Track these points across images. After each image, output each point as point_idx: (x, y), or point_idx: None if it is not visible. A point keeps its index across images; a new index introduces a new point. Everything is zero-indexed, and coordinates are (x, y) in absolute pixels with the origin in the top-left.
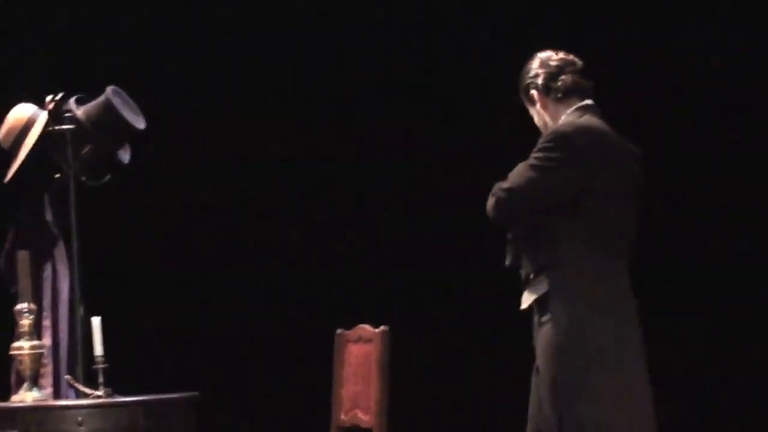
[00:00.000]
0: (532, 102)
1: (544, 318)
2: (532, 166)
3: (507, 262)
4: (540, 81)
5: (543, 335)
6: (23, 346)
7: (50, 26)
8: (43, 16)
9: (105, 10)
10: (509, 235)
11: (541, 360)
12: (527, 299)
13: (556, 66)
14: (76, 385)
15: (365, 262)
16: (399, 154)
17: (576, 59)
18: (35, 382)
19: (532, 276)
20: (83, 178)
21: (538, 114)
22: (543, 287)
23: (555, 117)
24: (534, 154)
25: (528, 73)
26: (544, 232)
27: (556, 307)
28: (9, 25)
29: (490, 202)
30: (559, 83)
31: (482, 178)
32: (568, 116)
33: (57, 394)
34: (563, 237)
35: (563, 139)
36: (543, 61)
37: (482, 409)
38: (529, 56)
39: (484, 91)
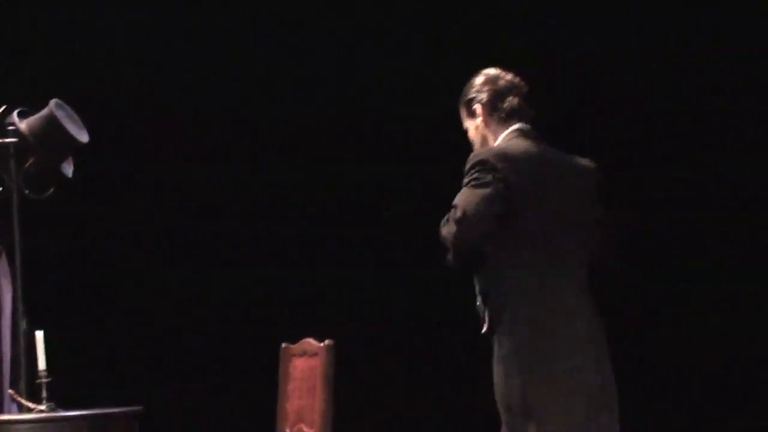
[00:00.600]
0: (473, 116)
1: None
2: (469, 188)
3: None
4: (485, 98)
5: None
6: None
7: None
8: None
9: (50, 19)
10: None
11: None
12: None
13: (505, 87)
14: (19, 399)
15: (309, 275)
16: (336, 163)
17: (523, 83)
18: None
19: (479, 302)
20: (26, 192)
21: (476, 129)
22: (489, 313)
23: (495, 135)
24: (465, 180)
25: (473, 87)
26: (489, 260)
27: (501, 330)
28: None
29: (451, 241)
30: (505, 104)
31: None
32: (503, 138)
33: (0, 409)
34: (505, 264)
35: (481, 163)
36: (491, 78)
37: (428, 423)
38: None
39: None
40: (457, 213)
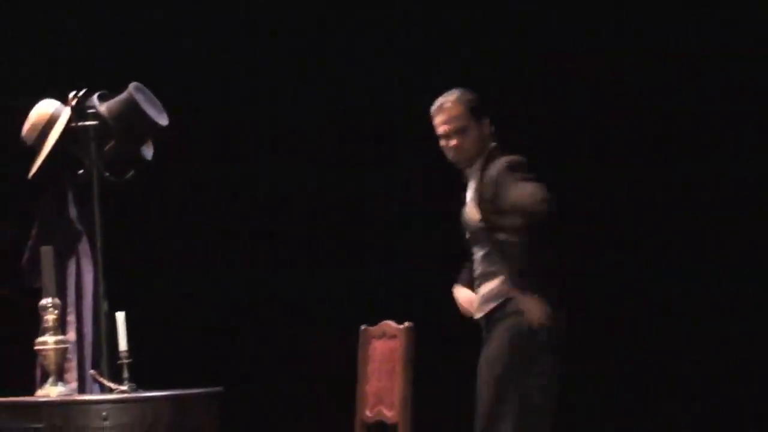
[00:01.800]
0: (479, 122)
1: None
2: (528, 180)
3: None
4: (487, 115)
5: None
6: (48, 341)
7: (73, 22)
8: (66, 14)
9: (128, 7)
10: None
11: None
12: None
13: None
14: (101, 379)
15: (390, 258)
16: (419, 152)
17: None
18: (60, 377)
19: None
20: (106, 174)
21: (478, 135)
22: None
23: (486, 148)
24: (517, 175)
25: (476, 98)
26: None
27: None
28: (32, 22)
29: (545, 203)
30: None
31: None
32: (490, 152)
33: (82, 389)
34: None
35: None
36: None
37: None
38: None
39: None
40: (535, 198)
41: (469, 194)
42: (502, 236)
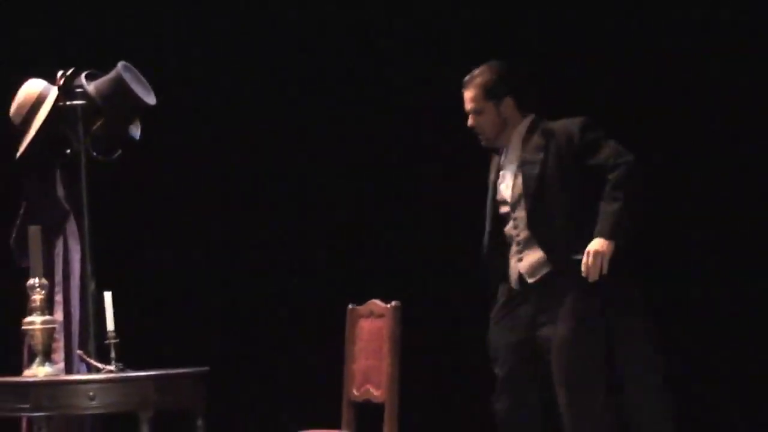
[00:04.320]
0: (496, 101)
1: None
2: (608, 140)
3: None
4: (514, 88)
5: None
6: (35, 321)
7: (59, 2)
8: None
9: None
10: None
11: None
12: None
13: (526, 80)
14: (88, 359)
15: (376, 237)
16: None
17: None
18: (47, 357)
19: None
20: (94, 154)
21: (497, 114)
22: None
23: (514, 124)
24: (596, 134)
25: (496, 73)
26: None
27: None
28: (19, 2)
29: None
30: (528, 97)
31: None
32: (525, 126)
33: (69, 369)
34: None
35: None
36: (514, 69)
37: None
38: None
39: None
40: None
41: (510, 165)
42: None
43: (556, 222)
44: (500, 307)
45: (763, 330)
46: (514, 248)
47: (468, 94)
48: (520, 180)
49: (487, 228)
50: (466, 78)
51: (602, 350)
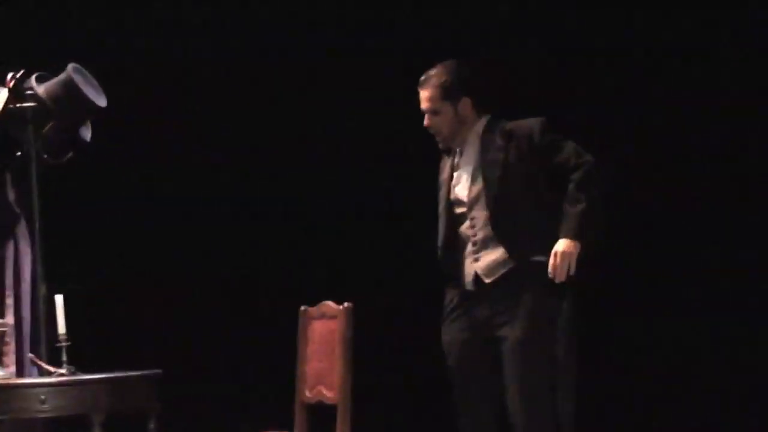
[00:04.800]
0: (452, 101)
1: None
2: (566, 141)
3: None
4: (470, 88)
5: None
6: None
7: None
8: None
9: None
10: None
11: None
12: None
13: (482, 81)
14: (39, 363)
15: (328, 238)
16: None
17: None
18: None
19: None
20: (45, 156)
21: (453, 115)
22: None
23: (471, 125)
24: (555, 135)
25: (452, 73)
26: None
27: None
28: None
29: (597, 171)
30: (484, 98)
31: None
32: (482, 126)
33: (20, 373)
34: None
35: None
36: (471, 70)
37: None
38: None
39: None
40: (588, 156)
41: (467, 166)
42: (526, 197)
43: (518, 221)
44: (454, 307)
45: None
46: (469, 248)
47: (424, 94)
48: (479, 180)
49: (442, 228)
50: (422, 78)
51: (554, 351)
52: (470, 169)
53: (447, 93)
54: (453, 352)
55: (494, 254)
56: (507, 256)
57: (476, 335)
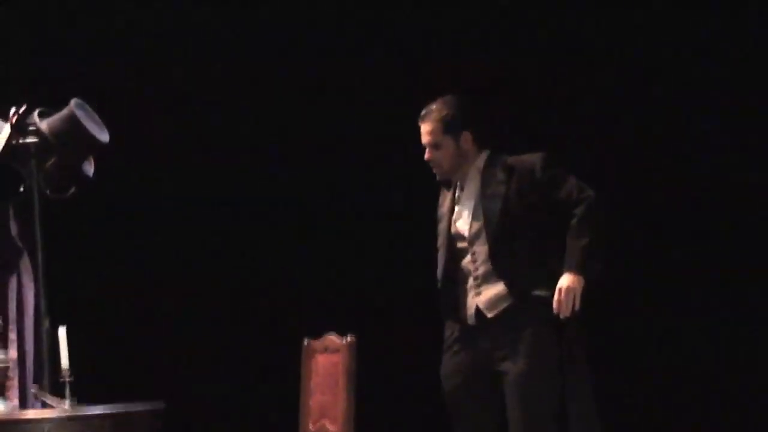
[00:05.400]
0: (454, 136)
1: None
2: (570, 175)
3: None
4: (471, 123)
5: None
6: None
7: (13, 38)
8: (5, 27)
9: (71, 21)
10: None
11: None
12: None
13: (480, 117)
14: (43, 397)
15: (332, 272)
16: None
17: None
18: (1, 395)
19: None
20: (47, 191)
21: (455, 149)
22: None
23: (472, 159)
24: (556, 170)
25: (453, 107)
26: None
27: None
28: None
29: (598, 206)
30: (483, 134)
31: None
32: (482, 161)
33: (24, 406)
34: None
35: None
36: (470, 106)
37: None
38: None
39: None
40: (589, 190)
41: (468, 201)
42: (530, 233)
43: (518, 256)
44: (454, 340)
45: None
46: (471, 282)
47: (426, 128)
48: (480, 214)
49: (442, 261)
50: (423, 112)
51: (558, 386)
52: (471, 204)
53: (448, 127)
54: (452, 385)
55: (495, 289)
56: (507, 291)
57: (477, 369)
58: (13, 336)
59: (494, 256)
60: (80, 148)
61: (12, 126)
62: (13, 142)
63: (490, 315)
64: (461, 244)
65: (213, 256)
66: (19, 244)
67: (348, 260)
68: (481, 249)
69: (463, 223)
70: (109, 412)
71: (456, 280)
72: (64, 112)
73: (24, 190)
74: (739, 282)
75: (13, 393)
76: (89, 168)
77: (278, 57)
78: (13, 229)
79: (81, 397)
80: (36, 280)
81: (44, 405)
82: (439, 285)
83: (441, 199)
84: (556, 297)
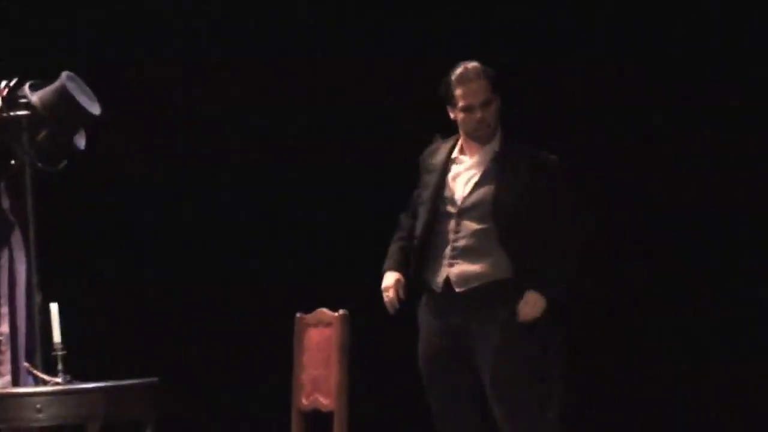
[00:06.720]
0: (496, 95)
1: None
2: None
3: None
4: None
5: None
6: None
7: (2, 10)
8: None
9: None
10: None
11: None
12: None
13: None
14: (35, 372)
15: (324, 245)
16: (356, 141)
17: None
18: None
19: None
20: (39, 165)
21: (497, 110)
22: None
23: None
24: (570, 182)
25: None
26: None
27: None
28: None
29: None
30: None
31: None
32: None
33: (16, 382)
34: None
35: None
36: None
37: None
38: None
39: None
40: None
41: (472, 170)
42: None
43: (527, 242)
44: (429, 312)
45: None
46: (448, 251)
47: (481, 85)
48: (490, 195)
49: (423, 222)
50: (476, 70)
51: (538, 361)
52: (477, 174)
53: (496, 85)
54: (428, 356)
55: (470, 267)
56: (484, 271)
57: (451, 344)
58: (4, 310)
59: (504, 238)
60: (72, 120)
61: (3, 99)
62: (4, 115)
63: (457, 290)
64: (449, 209)
65: (205, 229)
66: (11, 217)
67: (339, 233)
68: (470, 224)
69: (459, 187)
70: (101, 386)
71: (428, 241)
72: (55, 84)
73: (15, 163)
74: (739, 282)
75: (6, 368)
76: (81, 141)
77: (278, 55)
78: (5, 202)
79: (73, 371)
80: (28, 254)
81: (36, 380)
82: (415, 242)
83: (434, 146)
84: (519, 306)
